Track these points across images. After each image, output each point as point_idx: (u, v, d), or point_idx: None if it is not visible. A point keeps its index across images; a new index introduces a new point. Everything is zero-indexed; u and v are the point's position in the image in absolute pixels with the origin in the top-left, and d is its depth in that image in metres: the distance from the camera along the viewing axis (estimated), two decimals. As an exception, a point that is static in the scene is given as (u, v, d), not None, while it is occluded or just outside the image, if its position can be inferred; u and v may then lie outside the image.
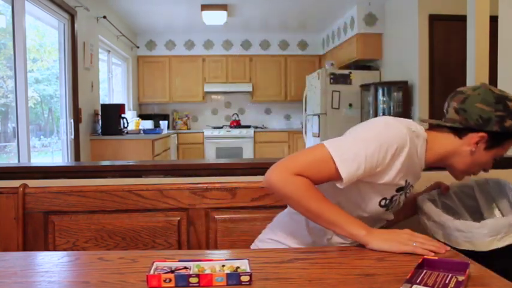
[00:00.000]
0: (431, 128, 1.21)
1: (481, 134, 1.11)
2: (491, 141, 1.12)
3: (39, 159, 3.78)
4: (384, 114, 4.80)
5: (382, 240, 1.01)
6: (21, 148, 3.21)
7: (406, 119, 1.14)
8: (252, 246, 1.28)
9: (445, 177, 1.71)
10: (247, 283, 0.81)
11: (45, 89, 4.07)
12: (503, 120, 1.10)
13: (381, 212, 1.16)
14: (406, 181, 1.13)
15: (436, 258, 0.90)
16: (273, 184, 1.05)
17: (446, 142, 1.16)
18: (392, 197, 1.14)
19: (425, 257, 0.91)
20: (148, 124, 5.73)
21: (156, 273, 0.83)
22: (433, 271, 0.88)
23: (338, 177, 1.04)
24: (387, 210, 1.17)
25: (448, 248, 1.00)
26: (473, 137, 1.12)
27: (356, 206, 1.15)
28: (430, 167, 1.20)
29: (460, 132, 1.14)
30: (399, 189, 1.14)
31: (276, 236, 1.23)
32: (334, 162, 1.03)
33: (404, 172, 1.09)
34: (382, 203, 1.14)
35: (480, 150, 1.14)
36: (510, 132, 1.12)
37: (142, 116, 6.49)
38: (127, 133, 4.71)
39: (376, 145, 1.04)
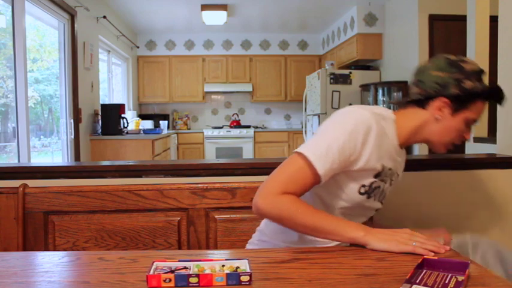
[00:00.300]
0: (400, 108, 1.24)
1: (442, 99, 1.13)
2: (455, 105, 1.13)
3: (39, 159, 3.78)
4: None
5: (382, 240, 1.01)
6: (21, 148, 3.21)
7: (371, 106, 1.18)
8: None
9: (444, 176, 1.71)
10: (247, 283, 0.81)
11: (45, 89, 4.07)
12: (461, 82, 1.11)
13: (363, 200, 1.16)
14: (382, 165, 1.14)
15: (436, 258, 0.90)
16: (262, 211, 1.06)
17: (413, 116, 1.18)
18: (371, 184, 1.15)
19: (425, 257, 0.91)
20: (148, 124, 5.73)
21: (156, 273, 0.83)
22: (433, 271, 0.88)
23: (318, 177, 1.06)
24: (369, 198, 1.17)
25: (448, 248, 1.00)
26: (435, 103, 1.14)
27: (336, 196, 1.16)
28: (408, 145, 1.22)
29: (422, 103, 1.17)
30: (377, 175, 1.14)
31: (265, 236, 1.25)
32: (310, 163, 1.04)
33: (376, 155, 1.11)
34: (362, 190, 1.14)
35: (447, 116, 1.14)
36: (472, 93, 1.11)
37: (142, 116, 6.49)
38: (127, 133, 4.71)
39: (344, 135, 1.06)
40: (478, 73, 1.13)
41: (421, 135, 1.19)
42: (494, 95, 1.15)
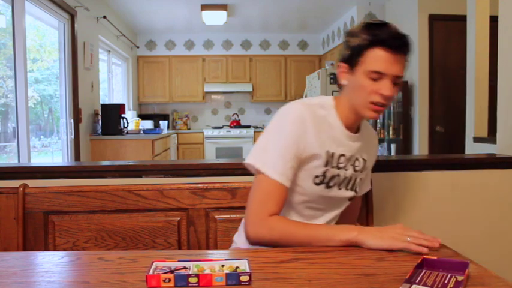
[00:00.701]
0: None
1: (340, 65, 1.16)
2: (349, 64, 1.14)
3: (39, 159, 3.78)
4: (383, 114, 4.80)
5: (376, 237, 1.01)
6: (21, 148, 3.21)
7: (312, 97, 1.21)
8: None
9: (444, 176, 1.71)
10: (247, 283, 0.81)
11: (45, 89, 4.07)
12: (348, 42, 1.14)
13: (322, 190, 1.17)
14: (326, 152, 1.14)
15: (436, 258, 0.90)
16: (255, 239, 1.10)
17: (341, 96, 1.20)
18: (324, 173, 1.15)
19: (424, 256, 0.91)
20: (148, 124, 5.73)
21: (155, 273, 0.83)
22: (433, 271, 0.88)
23: (284, 186, 1.10)
24: (330, 188, 1.18)
25: (440, 240, 1.01)
26: (338, 71, 1.18)
27: (295, 192, 1.17)
28: (357, 124, 1.21)
29: (338, 80, 1.20)
30: (326, 163, 1.15)
31: (239, 237, 1.28)
32: (272, 179, 1.09)
33: (318, 144, 1.12)
34: (317, 180, 1.16)
35: (349, 78, 1.15)
36: (359, 46, 1.10)
37: (142, 116, 6.49)
38: (127, 133, 4.71)
39: (286, 137, 1.10)
40: (364, 27, 1.12)
41: (351, 107, 1.18)
42: (382, 39, 1.09)
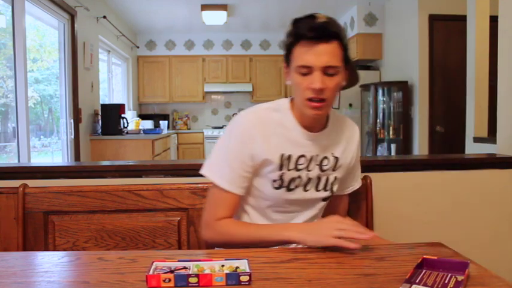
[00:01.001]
0: None
1: (284, 65, 1.15)
2: (286, 63, 1.14)
3: (39, 159, 3.78)
4: (383, 114, 4.80)
5: (308, 235, 1.03)
6: (21, 148, 3.21)
7: (267, 102, 1.19)
8: None
9: (444, 176, 1.71)
10: (247, 283, 0.81)
11: (45, 89, 4.07)
12: (285, 42, 1.13)
13: (284, 193, 1.16)
14: (282, 155, 1.14)
15: (436, 258, 0.90)
16: (208, 241, 1.16)
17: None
18: (281, 177, 1.15)
19: (424, 256, 0.91)
20: (148, 124, 5.73)
21: (155, 273, 0.83)
22: (433, 271, 0.88)
23: (234, 194, 1.14)
24: (292, 190, 1.16)
25: (374, 233, 1.00)
26: (284, 73, 1.17)
27: (259, 198, 1.19)
28: (316, 123, 1.17)
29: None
30: (281, 167, 1.14)
31: None
32: (222, 188, 1.13)
33: (267, 149, 1.12)
34: (275, 185, 1.15)
35: (289, 77, 1.13)
36: (287, 45, 1.11)
37: (142, 116, 6.49)
38: (127, 133, 4.71)
39: (235, 147, 1.13)
40: (291, 24, 1.11)
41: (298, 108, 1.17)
42: (302, 33, 1.07)
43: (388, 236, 1.61)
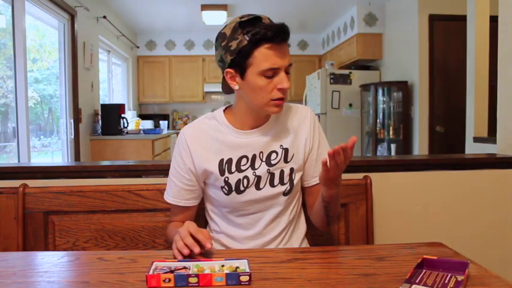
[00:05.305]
0: None
1: (227, 71, 1.12)
2: (238, 69, 1.10)
3: (39, 159, 3.78)
4: (383, 114, 4.80)
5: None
6: (21, 148, 3.21)
7: (210, 113, 1.27)
8: None
9: (444, 176, 1.71)
10: (247, 283, 0.81)
11: (45, 89, 4.07)
12: (228, 46, 1.09)
13: (236, 197, 1.16)
14: (221, 160, 1.16)
15: (436, 258, 0.90)
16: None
17: (235, 99, 1.21)
18: (226, 181, 1.16)
19: (424, 256, 0.91)
20: (148, 124, 5.73)
21: (155, 273, 0.83)
22: (433, 271, 0.88)
23: (176, 205, 1.24)
24: (242, 192, 1.16)
25: (210, 246, 0.94)
26: (227, 79, 1.14)
27: (216, 205, 1.22)
28: (255, 122, 1.18)
29: (226, 85, 1.19)
30: (223, 172, 1.15)
31: None
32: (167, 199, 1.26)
33: (205, 159, 1.16)
34: (224, 191, 1.17)
35: (241, 82, 1.12)
36: (242, 50, 1.07)
37: (142, 116, 6.49)
38: (127, 133, 4.71)
39: (173, 162, 1.23)
40: (239, 27, 1.08)
41: (248, 109, 1.17)
42: (264, 36, 1.05)
43: (388, 236, 1.62)
